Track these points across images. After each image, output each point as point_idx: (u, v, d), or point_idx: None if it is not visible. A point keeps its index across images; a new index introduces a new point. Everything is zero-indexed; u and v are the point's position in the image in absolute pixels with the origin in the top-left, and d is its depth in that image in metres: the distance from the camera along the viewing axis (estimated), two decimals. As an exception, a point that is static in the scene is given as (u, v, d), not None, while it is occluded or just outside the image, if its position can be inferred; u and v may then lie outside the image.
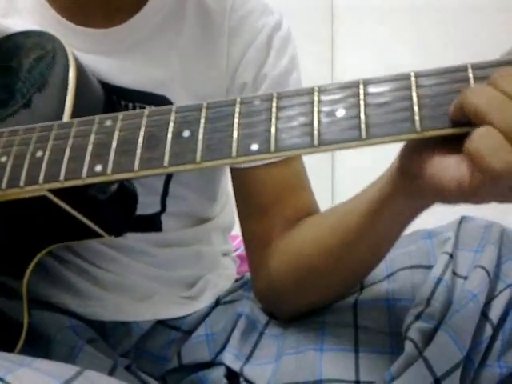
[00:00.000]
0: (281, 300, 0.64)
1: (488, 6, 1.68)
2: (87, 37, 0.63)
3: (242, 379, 0.62)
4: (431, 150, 0.41)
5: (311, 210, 0.66)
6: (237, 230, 0.79)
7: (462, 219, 0.61)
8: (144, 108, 0.62)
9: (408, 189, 0.46)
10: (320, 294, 0.61)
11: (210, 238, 0.74)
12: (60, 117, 0.53)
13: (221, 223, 0.76)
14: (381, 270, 0.61)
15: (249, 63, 0.65)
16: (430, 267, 0.58)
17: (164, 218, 0.68)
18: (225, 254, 0.78)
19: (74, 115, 0.53)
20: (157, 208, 0.67)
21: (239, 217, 0.68)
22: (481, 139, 0.36)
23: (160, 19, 0.64)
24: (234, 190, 0.68)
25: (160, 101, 0.63)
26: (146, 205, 0.65)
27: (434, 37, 1.70)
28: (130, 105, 0.63)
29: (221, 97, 0.65)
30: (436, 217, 0.60)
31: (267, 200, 0.64)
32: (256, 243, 0.65)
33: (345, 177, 1.57)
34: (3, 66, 0.60)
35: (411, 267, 0.60)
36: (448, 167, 0.40)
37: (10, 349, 0.56)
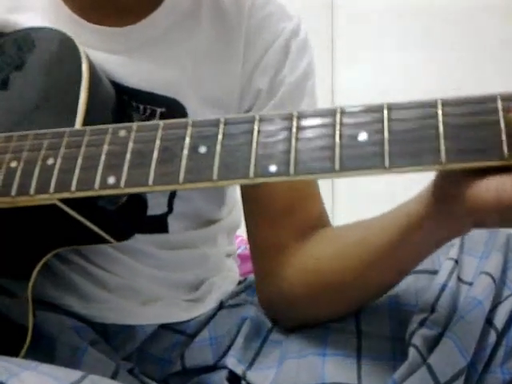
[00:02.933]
0: (288, 310, 0.64)
1: (493, 6, 1.67)
2: (100, 35, 0.61)
3: (244, 383, 0.62)
4: (470, 173, 0.40)
5: (322, 220, 0.65)
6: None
7: None
8: (155, 111, 0.61)
9: (441, 212, 0.46)
10: (332, 309, 0.61)
11: (215, 239, 0.73)
12: (73, 114, 0.53)
13: (227, 225, 0.75)
14: None
15: (266, 68, 0.64)
16: (434, 273, 0.58)
17: (170, 220, 0.67)
18: (228, 255, 0.78)
19: (87, 113, 0.53)
20: (163, 209, 0.67)
21: (247, 224, 0.67)
22: None
23: (175, 19, 0.62)
24: (243, 198, 0.67)
25: (171, 103, 0.62)
26: (153, 206, 0.64)
27: (435, 37, 1.69)
28: (141, 106, 0.62)
29: (233, 101, 0.64)
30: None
31: (278, 209, 0.63)
32: (265, 252, 0.64)
33: (345, 179, 1.56)
34: (13, 62, 0.58)
35: (415, 272, 0.59)
36: (487, 182, 0.39)
37: (14, 352, 0.55)
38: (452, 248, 0.58)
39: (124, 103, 0.61)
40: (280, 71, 0.64)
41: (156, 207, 0.66)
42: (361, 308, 0.61)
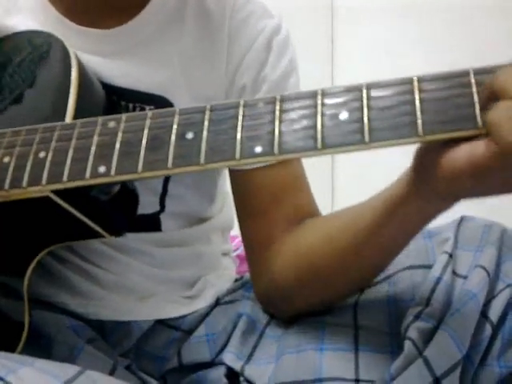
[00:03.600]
0: (283, 300, 0.64)
1: (492, 4, 1.68)
2: (89, 37, 0.63)
3: (242, 379, 0.62)
4: (445, 145, 0.42)
5: (311, 210, 0.66)
6: (236, 230, 0.79)
7: (462, 219, 0.61)
8: (144, 109, 0.63)
9: (422, 185, 0.47)
10: (323, 295, 0.62)
11: (209, 237, 0.74)
12: (62, 116, 0.54)
13: (219, 223, 0.76)
14: None
15: (248, 66, 0.65)
16: (429, 267, 0.58)
17: (163, 218, 0.68)
18: (225, 254, 0.78)
19: (76, 115, 0.54)
20: (156, 208, 0.68)
21: (238, 218, 0.68)
22: (501, 110, 0.38)
23: (161, 20, 0.64)
24: (233, 191, 0.68)
25: (160, 102, 0.63)
26: (146, 204, 0.65)
27: (434, 36, 1.70)
28: (131, 105, 0.63)
29: (221, 99, 0.65)
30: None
31: (267, 201, 0.64)
32: (257, 244, 0.65)
33: (345, 177, 1.57)
34: (4, 65, 0.60)
35: (411, 267, 0.60)
36: (461, 150, 0.41)
37: (11, 349, 0.56)
38: (446, 242, 0.59)
39: (113, 103, 0.62)
40: (262, 69, 0.65)
41: (148, 206, 0.66)
42: (356, 301, 0.61)
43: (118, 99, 0.63)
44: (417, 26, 1.72)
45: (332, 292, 0.61)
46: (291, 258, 0.62)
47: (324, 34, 1.71)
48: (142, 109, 0.63)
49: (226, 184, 0.73)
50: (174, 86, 0.64)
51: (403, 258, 0.61)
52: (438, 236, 0.61)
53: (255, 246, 0.66)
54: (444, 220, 0.62)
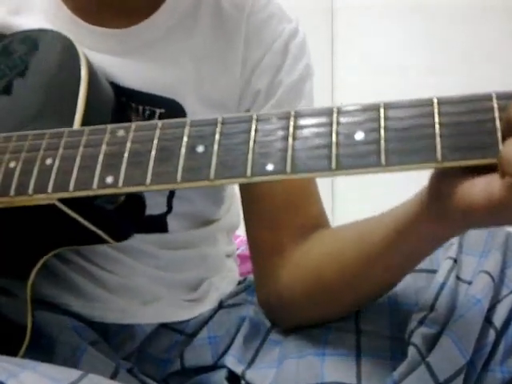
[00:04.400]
0: (287, 311, 0.64)
1: (494, 5, 1.67)
2: (100, 36, 0.62)
3: (243, 383, 0.62)
4: (463, 172, 0.41)
5: (321, 221, 0.65)
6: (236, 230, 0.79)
7: None
8: (154, 111, 0.62)
9: (436, 211, 0.46)
10: (329, 310, 0.61)
11: (215, 239, 0.74)
12: (72, 116, 0.53)
13: (226, 224, 0.75)
14: None
15: (265, 69, 0.64)
16: (433, 272, 0.58)
17: (170, 219, 0.68)
18: (228, 256, 0.78)
19: (85, 115, 0.53)
20: (163, 209, 0.67)
21: (246, 224, 0.67)
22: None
23: (174, 21, 0.63)
24: (242, 195, 0.67)
25: (170, 104, 0.62)
26: (152, 205, 0.65)
27: (435, 37, 1.69)
28: (140, 107, 0.62)
29: (232, 102, 0.64)
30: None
31: (276, 208, 0.63)
32: (265, 251, 0.65)
33: (345, 177, 1.56)
34: (13, 65, 0.59)
35: (414, 272, 0.59)
36: (479, 183, 0.40)
37: (13, 351, 0.56)
38: (451, 247, 0.58)
39: (123, 105, 0.61)
40: (278, 73, 0.64)
41: (155, 207, 0.66)
42: (359, 309, 0.61)
43: (127, 100, 0.62)
44: (417, 27, 1.71)
45: (336, 307, 0.60)
46: (299, 270, 0.61)
47: (324, 34, 1.70)
48: (152, 111, 0.62)
49: (234, 186, 0.72)
50: (184, 88, 0.63)
51: None
52: None
53: (262, 253, 0.65)
54: None
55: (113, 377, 0.60)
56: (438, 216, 0.46)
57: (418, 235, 0.50)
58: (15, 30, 0.61)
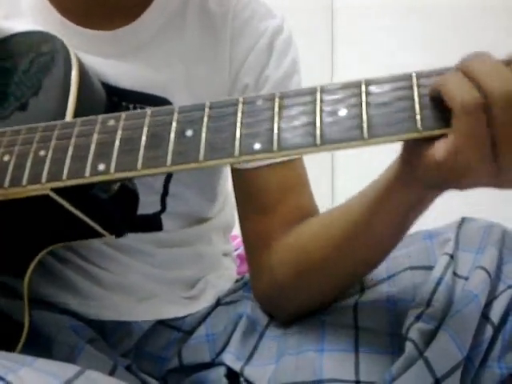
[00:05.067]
0: (282, 298, 0.64)
1: (494, 4, 1.68)
2: (90, 38, 0.63)
3: (242, 379, 0.62)
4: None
5: (311, 211, 0.66)
6: (236, 230, 0.79)
7: (463, 220, 0.61)
8: (144, 109, 0.63)
9: (408, 177, 0.48)
10: (321, 290, 0.62)
11: (210, 237, 0.74)
12: (62, 115, 0.54)
13: (220, 223, 0.76)
14: (381, 270, 0.61)
15: (251, 66, 0.65)
16: (430, 268, 0.58)
17: (164, 218, 0.68)
18: (225, 254, 0.78)
19: (76, 114, 0.54)
20: (157, 207, 0.68)
21: (239, 217, 0.68)
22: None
23: (162, 22, 0.64)
24: (235, 190, 0.68)
25: (161, 103, 0.63)
26: (146, 204, 0.65)
27: (435, 36, 1.70)
28: (131, 106, 0.63)
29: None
30: (437, 218, 0.60)
31: (268, 200, 0.64)
32: (256, 243, 0.65)
33: (345, 178, 1.57)
34: (4, 65, 0.60)
35: (412, 268, 0.60)
36: (440, 142, 0.42)
37: (11, 348, 0.56)
38: (447, 243, 0.59)
39: (114, 104, 0.62)
40: (265, 69, 0.66)
41: (149, 206, 0.67)
42: (356, 302, 0.61)
43: (119, 100, 0.63)
44: (417, 26, 1.71)
45: (328, 286, 0.61)
46: (289, 253, 0.63)
47: (324, 34, 1.71)
48: (143, 109, 0.62)
49: (227, 184, 0.73)
50: (175, 86, 0.64)
51: (404, 259, 0.61)
52: (439, 237, 0.61)
53: (255, 245, 0.66)
54: (445, 221, 0.63)
55: (111, 374, 0.60)
56: (409, 179, 0.48)
57: (392, 200, 0.52)
58: (5, 34, 0.62)
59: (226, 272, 0.76)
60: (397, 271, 0.61)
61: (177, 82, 0.64)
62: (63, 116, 0.54)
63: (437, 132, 0.39)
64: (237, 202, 0.68)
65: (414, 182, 0.47)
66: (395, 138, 0.40)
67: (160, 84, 0.64)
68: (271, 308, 0.66)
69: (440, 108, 0.39)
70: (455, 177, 0.43)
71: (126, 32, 0.63)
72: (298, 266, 0.62)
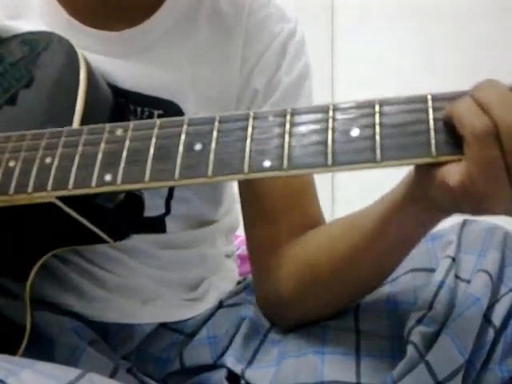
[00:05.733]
0: (284, 308, 0.64)
1: (494, 5, 1.67)
2: (98, 39, 0.62)
3: (243, 382, 0.62)
4: None
5: (318, 219, 0.66)
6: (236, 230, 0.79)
7: (465, 222, 0.61)
8: (152, 113, 0.62)
9: (418, 197, 0.47)
10: (324, 304, 0.61)
11: (214, 240, 0.74)
12: (71, 117, 0.53)
13: (225, 225, 0.75)
14: None
15: (263, 69, 0.65)
16: (432, 270, 0.58)
17: (168, 221, 0.68)
18: (228, 256, 0.78)
19: (83, 116, 0.53)
20: (161, 210, 0.67)
21: (245, 222, 0.68)
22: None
23: (172, 23, 0.63)
24: (241, 195, 0.67)
25: (168, 106, 0.62)
26: (151, 207, 0.65)
27: (434, 36, 1.69)
28: (139, 109, 0.62)
29: (231, 103, 0.65)
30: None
31: (275, 206, 0.64)
32: (262, 250, 0.65)
33: (345, 178, 1.57)
34: (11, 65, 0.59)
35: (413, 270, 0.60)
36: (453, 166, 0.41)
37: (12, 351, 0.56)
38: (449, 246, 0.59)
39: (121, 106, 0.62)
40: (277, 72, 0.65)
41: (153, 209, 0.66)
42: (357, 305, 0.61)
43: (126, 102, 0.62)
44: (417, 26, 1.71)
45: (332, 300, 0.61)
46: (294, 265, 0.62)
47: (324, 34, 1.70)
48: (150, 113, 0.62)
49: (233, 187, 0.72)
50: (182, 89, 0.63)
51: (405, 261, 0.60)
52: (441, 239, 0.61)
53: (260, 251, 0.65)
54: (447, 223, 0.62)
55: (112, 376, 0.60)
56: (419, 198, 0.47)
57: (401, 220, 0.51)
58: (11, 32, 0.61)
59: (229, 274, 0.76)
60: (398, 273, 0.60)
61: (184, 84, 0.64)
62: (72, 116, 0.53)
63: (450, 158, 0.39)
64: (242, 206, 0.68)
65: (426, 203, 0.47)
66: (408, 162, 0.39)
67: (167, 86, 0.63)
68: (273, 316, 0.66)
69: (454, 133, 0.39)
70: (470, 203, 0.42)
71: (134, 33, 0.63)
72: (303, 279, 0.61)
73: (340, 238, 0.59)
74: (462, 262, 0.57)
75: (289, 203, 0.64)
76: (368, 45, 1.70)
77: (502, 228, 0.59)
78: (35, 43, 0.59)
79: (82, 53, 0.58)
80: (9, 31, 0.61)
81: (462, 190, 0.41)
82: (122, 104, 0.61)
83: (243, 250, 0.95)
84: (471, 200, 0.42)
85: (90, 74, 0.57)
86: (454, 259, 0.57)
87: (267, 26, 0.65)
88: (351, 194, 1.49)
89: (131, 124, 0.47)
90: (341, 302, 0.61)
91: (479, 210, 0.43)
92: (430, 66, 1.67)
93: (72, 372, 0.45)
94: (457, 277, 0.56)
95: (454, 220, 0.62)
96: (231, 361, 0.63)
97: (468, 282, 0.56)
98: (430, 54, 1.67)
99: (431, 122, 0.39)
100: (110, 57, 0.62)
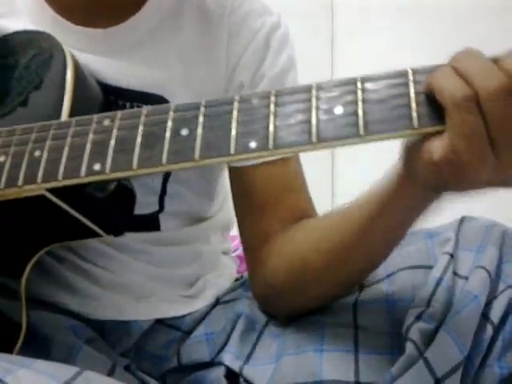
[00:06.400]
0: (279, 299, 0.64)
1: (494, 4, 1.68)
2: (85, 36, 0.63)
3: (241, 379, 0.62)
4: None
5: (308, 211, 0.66)
6: (236, 231, 0.79)
7: (463, 219, 0.61)
8: (141, 107, 0.62)
9: (408, 179, 0.48)
10: (317, 294, 0.62)
11: (208, 236, 0.74)
12: (58, 115, 0.53)
13: (219, 222, 0.75)
14: (381, 269, 0.60)
15: (247, 63, 0.65)
16: (430, 267, 0.58)
17: (162, 218, 0.68)
18: (224, 253, 0.78)
19: (71, 114, 0.53)
20: (155, 207, 0.67)
21: (237, 216, 0.68)
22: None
23: (158, 19, 0.64)
24: (232, 188, 0.68)
25: (157, 101, 0.63)
26: (144, 204, 0.65)
27: (434, 36, 1.70)
28: (128, 104, 0.63)
29: (218, 96, 0.65)
30: (437, 217, 0.60)
31: (265, 199, 0.64)
32: (253, 242, 0.65)
33: (345, 178, 1.57)
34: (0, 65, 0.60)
35: (411, 267, 0.60)
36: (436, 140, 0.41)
37: (8, 349, 0.56)
38: (447, 243, 0.59)
39: (110, 103, 0.62)
40: (261, 65, 0.65)
41: (146, 206, 0.66)
42: (355, 302, 0.60)
43: (115, 99, 0.63)
44: (417, 26, 1.71)
45: (325, 290, 0.61)
46: (284, 257, 0.62)
47: (324, 34, 1.71)
48: (139, 107, 0.62)
49: (225, 183, 0.73)
50: (171, 84, 0.64)
51: (403, 258, 0.60)
52: (439, 236, 0.61)
53: (251, 244, 0.66)
54: (445, 220, 0.62)
55: (110, 374, 0.60)
56: (408, 179, 0.48)
57: (393, 204, 0.51)
58: (2, 32, 0.61)
59: (226, 271, 0.76)
60: (396, 270, 0.60)
61: (174, 80, 0.64)
62: (59, 114, 0.53)
63: (432, 129, 0.39)
64: (234, 200, 0.68)
65: (414, 182, 0.47)
66: (391, 135, 0.40)
67: (156, 82, 0.63)
68: (269, 307, 0.66)
69: (436, 105, 0.39)
70: (454, 176, 0.42)
71: (121, 29, 0.63)
72: (292, 271, 0.62)
73: (328, 230, 0.59)
74: (460, 259, 0.57)
75: (279, 195, 0.64)
76: (368, 44, 1.71)
77: (500, 225, 0.59)
78: (23, 42, 0.59)
79: (69, 50, 0.58)
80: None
81: (446, 162, 0.41)
82: (111, 101, 0.62)
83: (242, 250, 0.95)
84: (456, 172, 0.41)
85: (78, 70, 0.57)
86: (452, 256, 0.57)
87: (249, 22, 0.66)
88: (351, 186, 1.49)
89: (118, 113, 0.47)
90: (333, 291, 0.61)
91: (464, 182, 0.43)
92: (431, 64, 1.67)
93: (69, 370, 0.45)
94: (455, 274, 0.56)
95: (453, 217, 0.62)
96: (229, 358, 0.63)
97: (466, 278, 0.55)
98: (430, 53, 1.68)
99: (412, 96, 0.39)
100: (97, 54, 0.62)
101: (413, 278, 0.59)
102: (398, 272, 0.60)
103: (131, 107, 0.63)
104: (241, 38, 0.65)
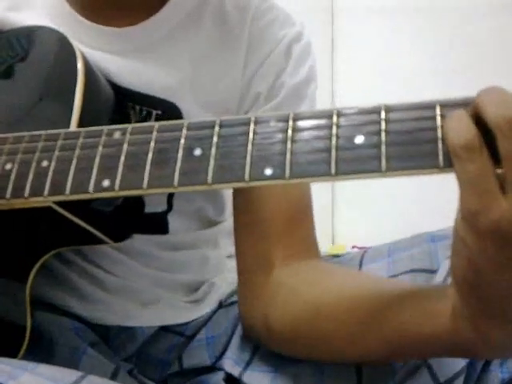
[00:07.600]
0: (271, 340, 0.59)
1: (495, 5, 1.66)
2: (101, 35, 0.61)
3: (241, 384, 0.61)
4: None
5: (313, 246, 0.61)
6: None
7: None
8: (151, 112, 0.61)
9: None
10: (323, 356, 0.56)
11: (216, 241, 0.73)
12: (69, 113, 0.52)
13: (229, 227, 0.72)
14: (382, 272, 0.59)
15: (266, 72, 0.64)
16: (433, 272, 0.57)
17: (171, 218, 0.67)
18: (229, 257, 0.76)
19: (82, 113, 0.52)
20: (163, 207, 0.66)
21: (237, 236, 0.63)
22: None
23: (176, 23, 0.62)
24: (235, 208, 0.63)
25: (167, 106, 0.61)
26: (153, 203, 0.64)
27: (435, 37, 1.68)
28: (137, 107, 0.61)
29: (232, 105, 0.64)
30: (440, 220, 0.58)
31: (270, 222, 0.60)
32: (253, 266, 0.60)
33: (346, 184, 1.55)
34: (9, 60, 0.58)
35: (414, 271, 0.58)
36: None
37: (13, 352, 0.55)
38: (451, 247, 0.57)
39: (120, 103, 0.61)
40: (280, 75, 0.64)
41: (156, 205, 0.65)
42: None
43: (124, 100, 0.61)
44: (417, 28, 1.70)
45: (333, 356, 0.55)
46: (295, 299, 0.56)
47: (324, 35, 1.69)
48: (148, 112, 0.61)
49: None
50: (182, 90, 0.62)
51: (406, 261, 0.59)
52: (443, 240, 0.59)
53: (250, 269, 0.61)
54: (448, 223, 0.61)
55: (112, 378, 0.60)
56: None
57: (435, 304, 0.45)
58: (14, 26, 0.60)
59: (230, 275, 0.74)
60: (399, 274, 0.59)
61: (184, 84, 0.62)
62: (70, 112, 0.52)
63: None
64: (235, 219, 0.63)
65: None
66: (415, 172, 0.38)
67: (166, 86, 0.62)
68: (258, 341, 0.61)
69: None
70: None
71: (137, 30, 0.62)
72: (302, 318, 0.55)
73: (363, 298, 0.51)
74: None
75: (282, 221, 0.60)
76: (368, 46, 1.70)
77: None
78: (33, 38, 0.58)
79: (79, 47, 0.56)
80: (10, 24, 0.60)
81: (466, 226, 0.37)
82: (120, 101, 0.60)
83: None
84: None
85: (88, 68, 0.56)
86: None
87: (271, 31, 0.64)
88: (351, 194, 1.48)
89: (129, 127, 0.46)
90: (344, 360, 0.55)
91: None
92: (431, 66, 1.66)
93: (72, 374, 0.45)
94: None
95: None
96: (229, 364, 0.62)
97: None
98: (431, 54, 1.66)
99: (439, 131, 0.37)
100: (111, 53, 0.61)
101: (414, 282, 0.57)
102: (400, 275, 0.59)
103: (140, 110, 0.61)
104: (261, 48, 0.64)
